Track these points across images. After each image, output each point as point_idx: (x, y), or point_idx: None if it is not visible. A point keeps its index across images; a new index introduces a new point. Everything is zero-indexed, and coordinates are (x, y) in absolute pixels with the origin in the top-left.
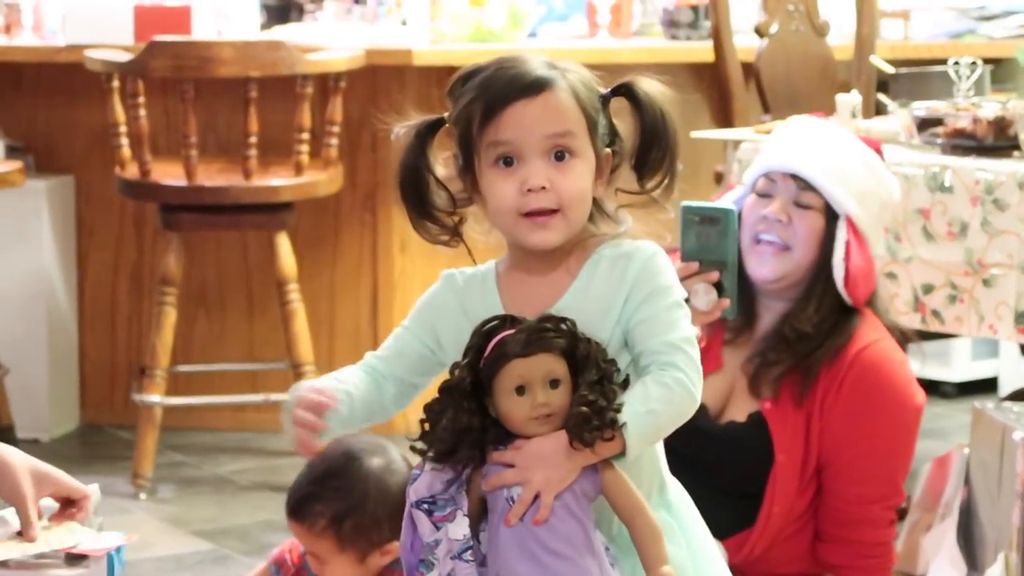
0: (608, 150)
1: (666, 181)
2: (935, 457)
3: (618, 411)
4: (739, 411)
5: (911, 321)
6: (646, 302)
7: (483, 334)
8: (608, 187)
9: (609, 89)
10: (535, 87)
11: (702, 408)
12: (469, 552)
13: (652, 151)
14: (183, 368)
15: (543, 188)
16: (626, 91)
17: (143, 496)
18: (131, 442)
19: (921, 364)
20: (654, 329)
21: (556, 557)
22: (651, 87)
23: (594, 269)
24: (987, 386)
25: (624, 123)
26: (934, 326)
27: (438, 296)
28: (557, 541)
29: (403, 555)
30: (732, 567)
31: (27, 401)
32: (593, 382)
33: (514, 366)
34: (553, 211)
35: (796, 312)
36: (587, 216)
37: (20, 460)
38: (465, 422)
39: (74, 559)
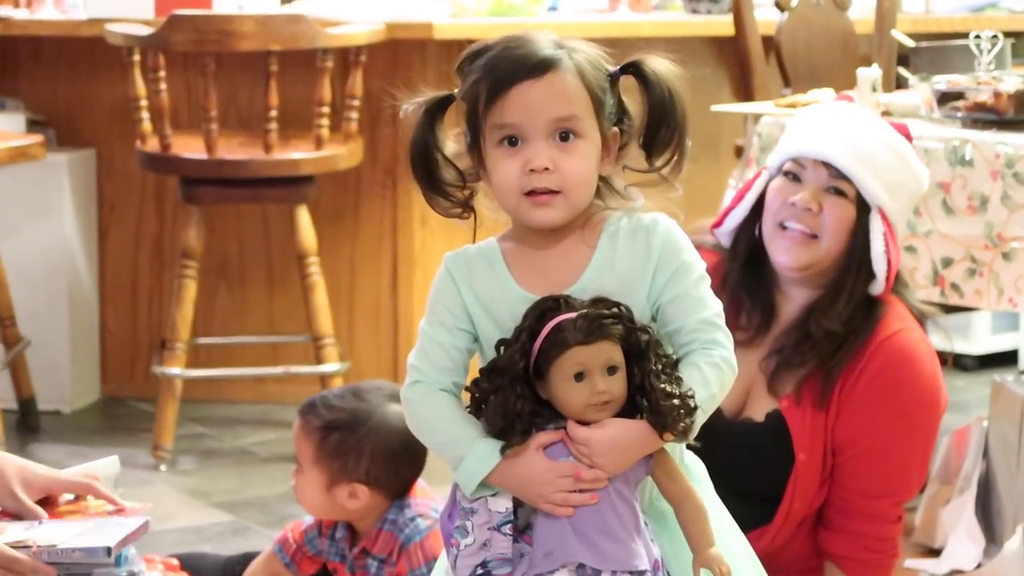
0: (616, 128)
1: (675, 159)
2: (954, 430)
3: (693, 397)
4: (757, 411)
5: (930, 295)
6: (674, 279)
7: (536, 316)
8: (616, 165)
9: (617, 67)
10: (540, 68)
11: (718, 411)
12: (509, 526)
13: (660, 129)
14: (204, 341)
15: (546, 169)
16: (634, 69)
17: (163, 468)
18: (151, 414)
19: (945, 340)
20: (687, 307)
21: (609, 539)
22: (659, 65)
23: (614, 242)
24: (1007, 359)
25: (633, 101)
26: (953, 299)
27: (446, 286)
28: (610, 524)
29: (442, 525)
30: None
31: (49, 374)
32: (659, 371)
33: (574, 353)
34: (555, 192)
35: (824, 307)
36: (591, 197)
37: (10, 466)
38: (517, 407)
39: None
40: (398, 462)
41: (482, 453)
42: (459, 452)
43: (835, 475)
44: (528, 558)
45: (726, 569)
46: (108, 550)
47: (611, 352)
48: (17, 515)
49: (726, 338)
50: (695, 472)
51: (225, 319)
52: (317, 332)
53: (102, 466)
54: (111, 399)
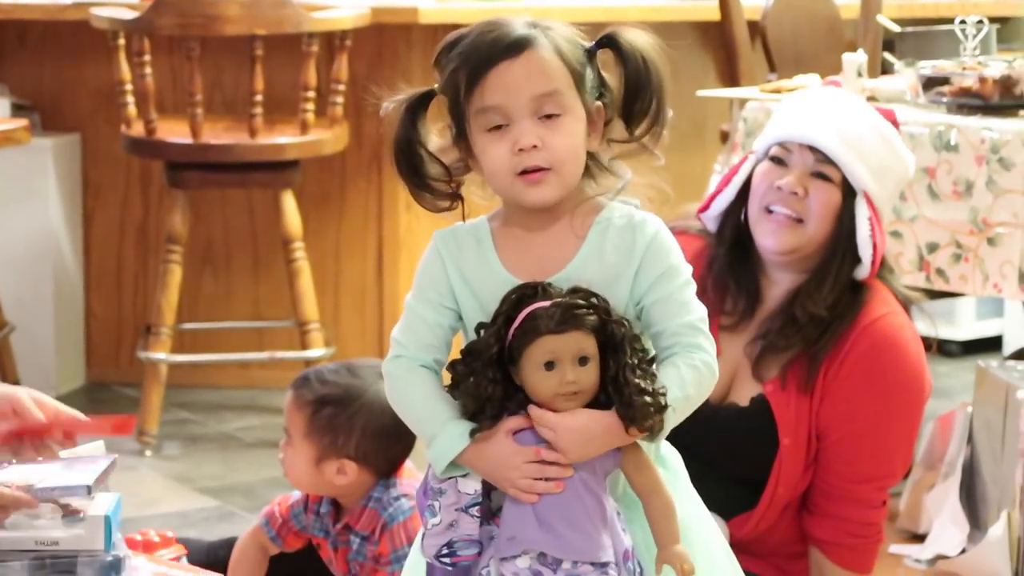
0: (599, 103)
1: (654, 127)
2: (939, 416)
3: (665, 394)
4: (741, 395)
5: (916, 280)
6: (659, 282)
7: (513, 302)
8: (602, 140)
9: (593, 42)
10: (516, 47)
11: None
12: (477, 508)
13: (637, 98)
14: (189, 326)
15: (534, 147)
16: (609, 42)
17: (148, 453)
18: (137, 399)
19: (930, 325)
20: (670, 310)
21: (573, 529)
22: (634, 36)
23: (603, 234)
24: (991, 345)
25: (613, 76)
26: (939, 285)
27: (433, 263)
28: (574, 513)
29: (418, 501)
30: (735, 543)
31: (33, 359)
32: (634, 365)
33: (545, 342)
34: (546, 169)
35: (810, 291)
36: (580, 172)
37: None
38: (488, 391)
39: (71, 517)
40: (388, 440)
41: (453, 434)
42: (432, 431)
43: (819, 459)
44: (497, 541)
45: (688, 568)
46: (88, 488)
47: (583, 343)
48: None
49: (708, 343)
50: (670, 462)
51: (210, 304)
52: (302, 317)
53: (87, 451)
54: (96, 384)
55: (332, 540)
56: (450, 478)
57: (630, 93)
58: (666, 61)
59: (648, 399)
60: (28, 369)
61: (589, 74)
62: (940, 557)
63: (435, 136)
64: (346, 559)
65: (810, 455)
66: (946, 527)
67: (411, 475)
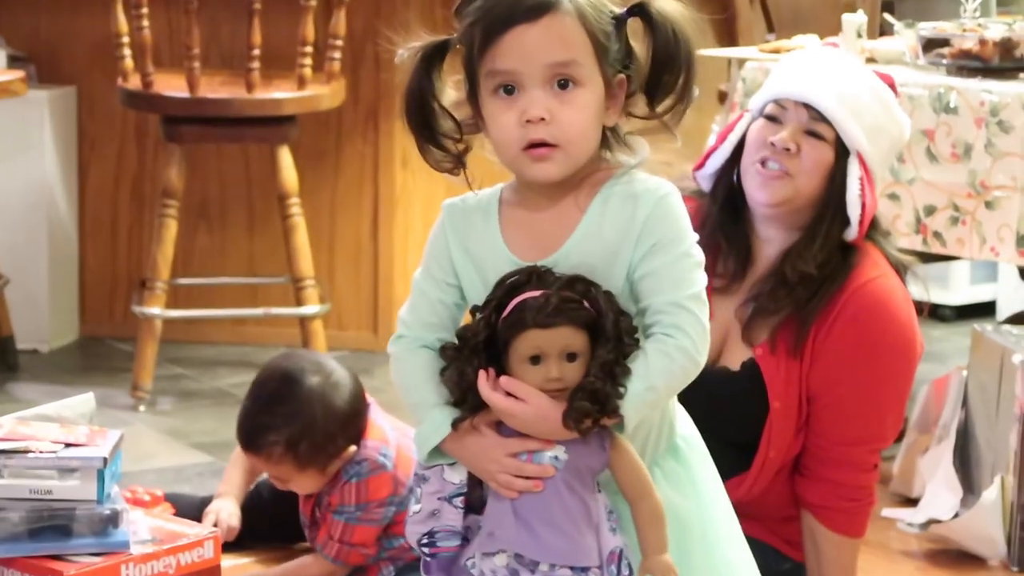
0: (621, 75)
1: (678, 105)
2: (933, 379)
3: (622, 397)
4: (732, 359)
5: (912, 243)
6: (653, 253)
7: (506, 289)
8: (622, 114)
9: (624, 9)
10: (536, 11)
11: None
12: (460, 499)
13: (664, 73)
14: (183, 281)
15: (542, 120)
16: (639, 11)
17: (142, 408)
18: (130, 354)
19: (923, 290)
20: (661, 284)
21: (552, 530)
22: (667, 6)
23: (604, 206)
24: (985, 310)
25: (643, 46)
26: (935, 247)
27: (439, 236)
28: (555, 515)
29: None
30: None
31: (27, 312)
32: (607, 362)
33: (531, 336)
34: (553, 145)
35: (799, 250)
36: (591, 150)
37: None
38: (470, 380)
39: (65, 472)
40: (356, 414)
41: (435, 420)
42: (420, 416)
43: (810, 423)
44: (480, 534)
45: None
46: (104, 460)
47: (571, 338)
48: None
49: (693, 324)
50: (685, 456)
51: (205, 259)
52: (297, 273)
53: (77, 403)
54: (90, 338)
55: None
56: (436, 465)
57: (656, 67)
58: (699, 35)
59: (587, 404)
60: (22, 322)
61: (614, 44)
62: (933, 521)
63: (450, 89)
64: (314, 504)
65: (801, 418)
66: (939, 491)
67: (377, 434)
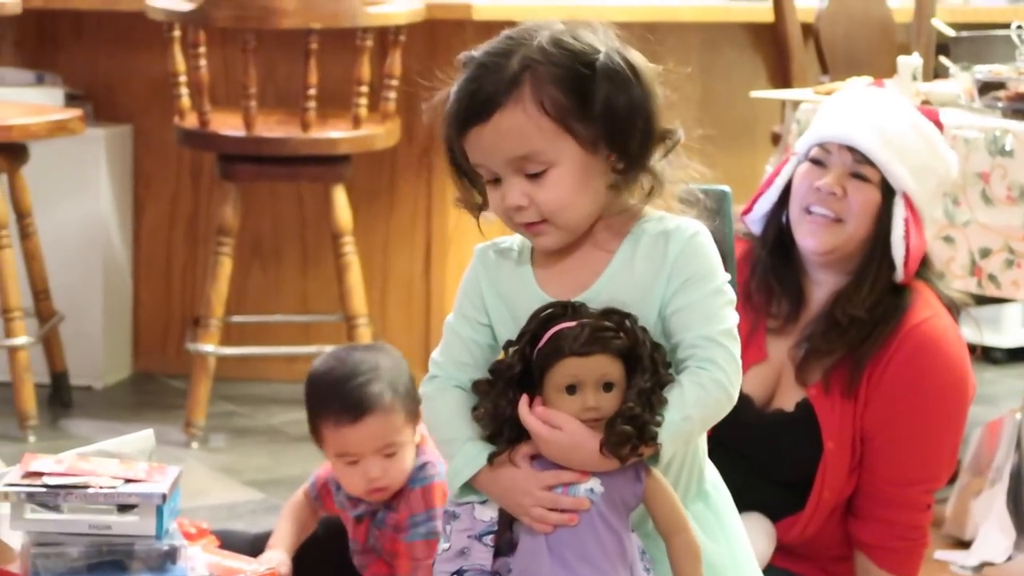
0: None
1: (643, 150)
2: (987, 422)
3: (659, 425)
4: (786, 400)
5: (967, 285)
6: (684, 289)
7: (540, 321)
8: (615, 167)
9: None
10: (486, 109)
11: (748, 400)
12: (490, 537)
13: (622, 123)
14: (237, 319)
15: (520, 207)
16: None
17: (195, 445)
18: (183, 391)
19: (975, 331)
20: (692, 320)
21: (587, 565)
22: (615, 56)
23: (635, 246)
24: None
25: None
26: (990, 290)
27: (472, 278)
28: (590, 549)
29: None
30: (782, 546)
31: (81, 348)
32: (644, 390)
33: (568, 364)
34: (542, 222)
35: (848, 294)
36: (588, 213)
37: None
38: (506, 413)
39: (124, 507)
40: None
41: (469, 455)
42: (452, 451)
43: (864, 463)
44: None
45: None
46: (163, 496)
47: (607, 367)
48: None
49: (727, 358)
50: (715, 501)
51: (259, 297)
52: (350, 311)
53: (137, 439)
54: (143, 375)
55: (358, 514)
56: (467, 503)
57: (614, 118)
58: (650, 79)
59: (628, 429)
60: (76, 359)
61: (587, 101)
62: (986, 564)
63: None
64: (368, 528)
65: (855, 459)
66: (992, 533)
67: (432, 447)
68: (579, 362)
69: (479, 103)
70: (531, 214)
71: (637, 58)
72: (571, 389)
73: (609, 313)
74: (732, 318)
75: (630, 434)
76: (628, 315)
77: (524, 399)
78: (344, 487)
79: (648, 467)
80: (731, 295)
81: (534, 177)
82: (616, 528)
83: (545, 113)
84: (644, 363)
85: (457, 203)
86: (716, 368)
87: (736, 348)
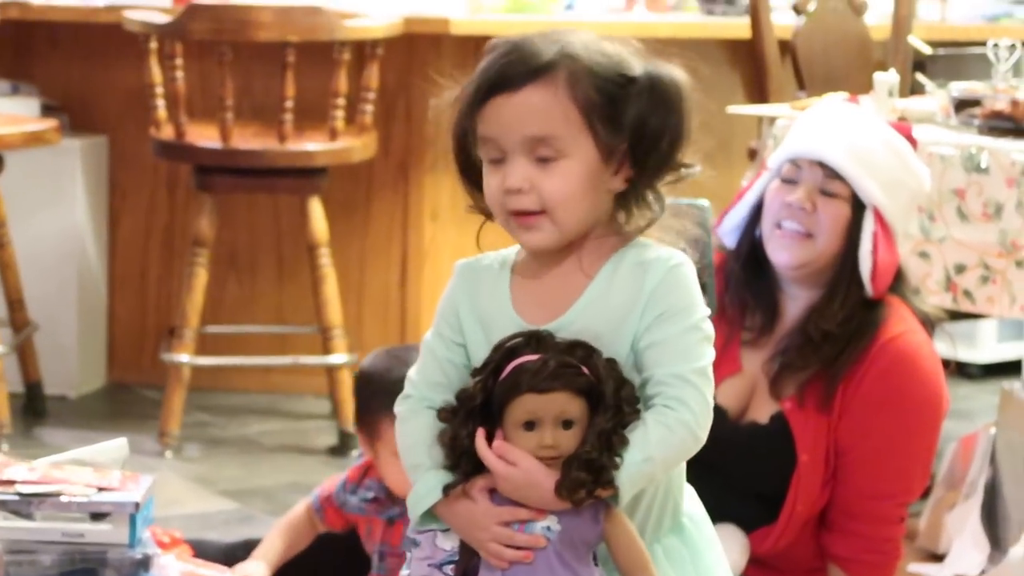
0: (624, 143)
1: (659, 172)
2: (962, 437)
3: (618, 467)
4: (761, 412)
5: (942, 301)
6: (659, 322)
7: (504, 352)
8: (629, 178)
9: (630, 73)
10: (517, 80)
11: (722, 412)
12: (451, 567)
13: (653, 141)
14: (212, 329)
15: (521, 190)
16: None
17: (169, 455)
18: (158, 401)
19: (950, 347)
20: (665, 356)
21: None
22: (668, 73)
23: (613, 273)
24: (1012, 368)
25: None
26: (965, 306)
27: (449, 297)
28: None
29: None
30: (756, 558)
31: (56, 358)
32: (605, 431)
33: (526, 400)
34: (538, 213)
35: (821, 308)
36: (585, 218)
37: None
38: (464, 444)
39: (98, 515)
40: None
41: (429, 484)
42: (414, 479)
43: (838, 476)
44: None
45: None
46: (136, 504)
47: (567, 405)
48: None
49: (696, 398)
50: (690, 534)
51: (234, 308)
52: (326, 323)
53: (110, 448)
54: (117, 385)
55: (391, 515)
56: (428, 531)
57: (645, 134)
58: (689, 108)
59: (583, 475)
60: (51, 368)
61: (618, 109)
62: None
63: None
64: (403, 529)
65: (828, 472)
66: (966, 547)
67: None
68: (538, 399)
69: (512, 73)
70: (529, 201)
71: (682, 82)
72: (529, 425)
73: (574, 347)
74: (708, 356)
75: (584, 480)
76: (595, 350)
77: (481, 433)
78: (386, 478)
79: (609, 506)
80: (708, 331)
81: (543, 163)
82: (574, 567)
83: (575, 102)
84: (607, 401)
85: (469, 210)
86: (684, 408)
87: (708, 389)
